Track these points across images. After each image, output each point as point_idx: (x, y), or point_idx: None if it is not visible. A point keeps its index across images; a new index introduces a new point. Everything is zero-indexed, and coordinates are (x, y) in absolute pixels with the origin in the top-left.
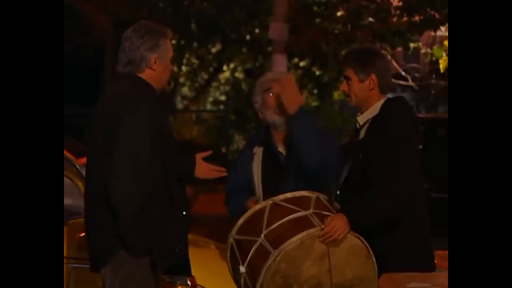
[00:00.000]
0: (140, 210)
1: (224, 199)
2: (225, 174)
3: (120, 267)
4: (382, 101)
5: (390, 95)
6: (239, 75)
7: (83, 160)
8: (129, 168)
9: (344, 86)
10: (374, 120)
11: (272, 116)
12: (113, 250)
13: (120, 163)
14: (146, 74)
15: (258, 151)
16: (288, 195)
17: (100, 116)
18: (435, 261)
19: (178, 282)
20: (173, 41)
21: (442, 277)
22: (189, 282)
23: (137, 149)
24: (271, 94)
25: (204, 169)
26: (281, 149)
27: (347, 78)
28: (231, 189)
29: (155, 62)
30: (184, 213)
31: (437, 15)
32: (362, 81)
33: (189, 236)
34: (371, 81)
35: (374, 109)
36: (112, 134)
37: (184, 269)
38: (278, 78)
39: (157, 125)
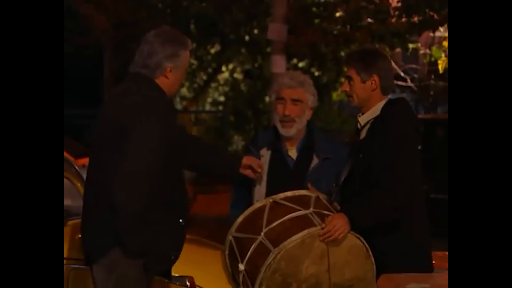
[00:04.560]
0: (141, 211)
1: (230, 202)
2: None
3: (114, 267)
4: (383, 102)
5: (391, 96)
6: (238, 75)
7: (82, 161)
8: (136, 171)
9: (346, 86)
10: (375, 120)
11: (279, 128)
12: (107, 248)
13: (129, 166)
14: (159, 81)
15: (266, 154)
16: (288, 193)
17: (108, 115)
18: (435, 262)
19: (177, 283)
20: None
21: (441, 278)
22: (187, 283)
23: (146, 154)
24: (285, 106)
25: (248, 170)
26: (291, 153)
27: (349, 78)
28: (238, 194)
29: (170, 71)
30: (181, 220)
31: (436, 16)
32: (364, 82)
33: (188, 236)
34: (373, 82)
35: (375, 110)
36: (121, 136)
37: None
38: (292, 86)
39: (166, 132)
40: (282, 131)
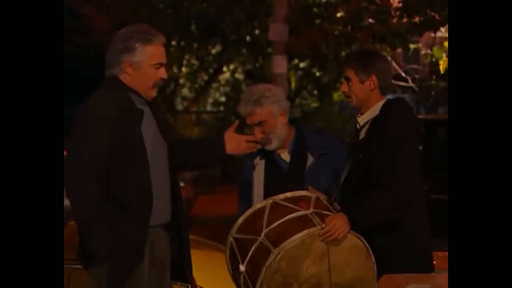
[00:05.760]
0: (93, 214)
1: (238, 210)
2: (258, 146)
3: (90, 271)
4: (382, 102)
5: (390, 96)
6: (239, 76)
7: None
8: (78, 172)
9: (344, 87)
10: (374, 121)
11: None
12: (81, 254)
13: (70, 167)
14: (123, 78)
15: (260, 163)
16: (288, 194)
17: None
18: (435, 262)
19: (178, 283)
20: (173, 42)
21: (442, 278)
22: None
23: (82, 154)
24: (256, 132)
25: (235, 145)
26: (284, 156)
27: (348, 79)
28: (242, 205)
29: (129, 66)
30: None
31: (437, 16)
32: (362, 82)
33: (190, 237)
34: (372, 82)
35: (374, 110)
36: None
37: (184, 278)
38: (249, 111)
39: (115, 131)
40: (266, 148)
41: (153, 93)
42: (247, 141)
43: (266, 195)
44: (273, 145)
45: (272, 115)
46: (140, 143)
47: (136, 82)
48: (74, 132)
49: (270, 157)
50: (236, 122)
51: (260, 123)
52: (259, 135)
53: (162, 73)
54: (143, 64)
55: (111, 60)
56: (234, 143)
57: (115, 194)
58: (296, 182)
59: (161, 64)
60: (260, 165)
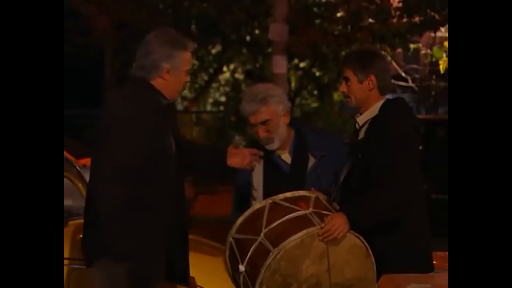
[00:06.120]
0: (122, 215)
1: (231, 212)
2: (261, 161)
3: (104, 270)
4: (381, 102)
5: (389, 96)
6: (239, 76)
7: (83, 161)
8: (112, 174)
9: (343, 87)
10: (373, 120)
11: (264, 145)
12: (98, 252)
13: (103, 169)
14: (156, 82)
15: (259, 164)
16: (288, 194)
17: (99, 120)
18: (435, 262)
19: (178, 284)
20: None
21: (442, 278)
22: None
23: (119, 156)
24: (260, 130)
25: (239, 159)
26: (284, 157)
27: (346, 79)
28: (236, 204)
29: (167, 72)
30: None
31: (437, 16)
32: (361, 82)
33: (189, 237)
34: (370, 82)
35: (373, 110)
36: (100, 141)
37: (181, 278)
38: (254, 110)
39: (148, 138)
40: (267, 147)
41: (177, 96)
42: (251, 154)
43: (266, 196)
44: (274, 145)
45: (276, 114)
46: (169, 147)
47: (169, 86)
48: (103, 131)
49: (269, 158)
50: (242, 145)
51: (264, 122)
52: (263, 134)
53: (188, 77)
54: (180, 69)
55: (147, 64)
56: (237, 157)
57: (142, 195)
58: (298, 184)
59: (190, 69)
60: (258, 166)
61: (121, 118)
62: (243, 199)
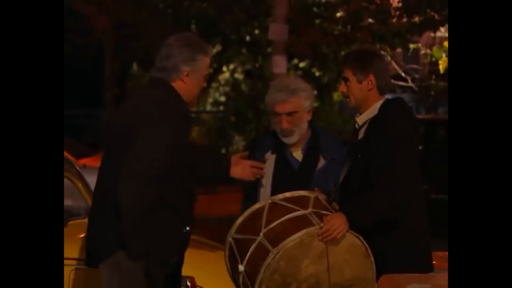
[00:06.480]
0: (145, 214)
1: (241, 203)
2: (263, 173)
3: (118, 267)
4: (380, 102)
5: (389, 96)
6: (239, 76)
7: (83, 161)
8: (142, 173)
9: (342, 87)
10: (373, 120)
11: (281, 138)
12: (112, 249)
13: (135, 167)
14: (176, 85)
15: (271, 158)
16: (287, 194)
17: (122, 118)
18: (435, 262)
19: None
20: None
21: (442, 278)
22: (188, 283)
23: (151, 158)
24: (284, 121)
25: (240, 170)
26: (296, 155)
27: (346, 79)
28: (247, 194)
29: (187, 75)
30: (187, 228)
31: (436, 16)
32: (360, 82)
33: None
34: (369, 82)
35: (372, 110)
36: (131, 139)
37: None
38: (284, 99)
39: (175, 138)
40: (285, 140)
41: (194, 100)
42: (252, 167)
43: (273, 190)
44: (293, 139)
45: (303, 108)
46: (189, 149)
47: (187, 90)
48: (131, 130)
49: (282, 153)
50: (246, 153)
51: (290, 113)
52: (286, 125)
53: (205, 82)
54: (199, 73)
55: (167, 66)
56: (239, 168)
57: (164, 195)
58: (305, 182)
59: (207, 75)
60: (270, 160)
61: (154, 119)
62: (255, 189)
